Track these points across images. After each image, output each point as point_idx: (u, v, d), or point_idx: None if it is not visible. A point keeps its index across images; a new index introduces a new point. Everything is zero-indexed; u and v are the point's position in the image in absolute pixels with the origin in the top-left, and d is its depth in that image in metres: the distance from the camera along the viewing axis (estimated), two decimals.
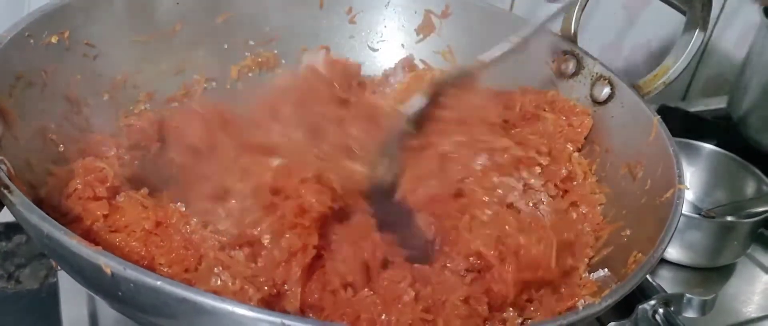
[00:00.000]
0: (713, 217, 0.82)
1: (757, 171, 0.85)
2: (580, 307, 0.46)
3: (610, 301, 0.47)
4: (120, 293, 0.40)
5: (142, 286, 0.39)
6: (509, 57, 0.68)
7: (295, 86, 0.68)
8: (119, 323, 0.63)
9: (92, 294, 0.59)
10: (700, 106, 1.15)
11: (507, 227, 0.59)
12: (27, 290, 0.68)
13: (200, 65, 0.74)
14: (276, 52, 0.78)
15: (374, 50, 0.82)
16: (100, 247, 0.40)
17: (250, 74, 0.77)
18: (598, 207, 0.67)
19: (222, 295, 0.43)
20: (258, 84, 0.77)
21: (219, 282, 0.51)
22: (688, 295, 0.66)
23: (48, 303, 0.66)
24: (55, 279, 0.68)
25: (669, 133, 0.64)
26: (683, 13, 0.68)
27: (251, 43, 0.77)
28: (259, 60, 0.77)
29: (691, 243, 0.79)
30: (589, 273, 0.61)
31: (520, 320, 0.56)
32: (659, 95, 0.72)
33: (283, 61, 0.78)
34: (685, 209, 0.81)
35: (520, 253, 0.57)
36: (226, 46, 0.75)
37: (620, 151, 0.69)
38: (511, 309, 0.57)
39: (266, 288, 0.51)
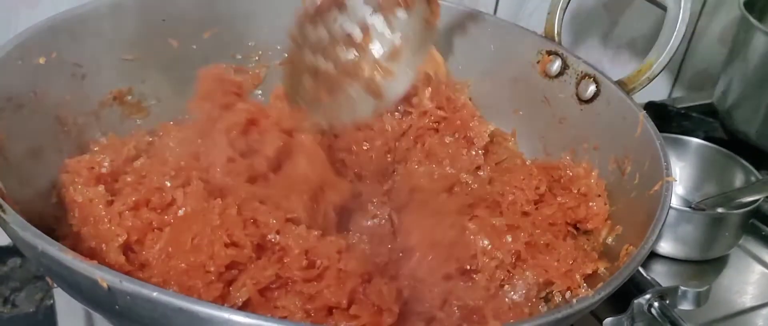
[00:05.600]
0: (704, 210, 0.82)
1: (745, 163, 0.86)
2: (574, 301, 0.47)
3: (603, 294, 0.48)
4: (117, 306, 0.40)
5: (139, 298, 0.39)
6: None
7: None
8: None
9: (91, 310, 0.59)
10: (686, 101, 1.17)
11: None
12: (24, 313, 0.68)
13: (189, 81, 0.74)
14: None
15: None
16: (95, 262, 0.40)
17: None
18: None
19: None
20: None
21: None
22: (682, 288, 0.67)
23: (45, 325, 0.66)
24: (52, 301, 0.68)
25: (655, 127, 0.65)
26: (663, 9, 0.69)
27: (238, 56, 0.77)
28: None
29: (683, 237, 0.79)
30: None
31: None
32: (645, 92, 0.72)
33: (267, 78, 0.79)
34: (676, 203, 0.82)
35: None
36: (212, 61, 0.75)
37: (608, 147, 0.69)
38: None
39: None
